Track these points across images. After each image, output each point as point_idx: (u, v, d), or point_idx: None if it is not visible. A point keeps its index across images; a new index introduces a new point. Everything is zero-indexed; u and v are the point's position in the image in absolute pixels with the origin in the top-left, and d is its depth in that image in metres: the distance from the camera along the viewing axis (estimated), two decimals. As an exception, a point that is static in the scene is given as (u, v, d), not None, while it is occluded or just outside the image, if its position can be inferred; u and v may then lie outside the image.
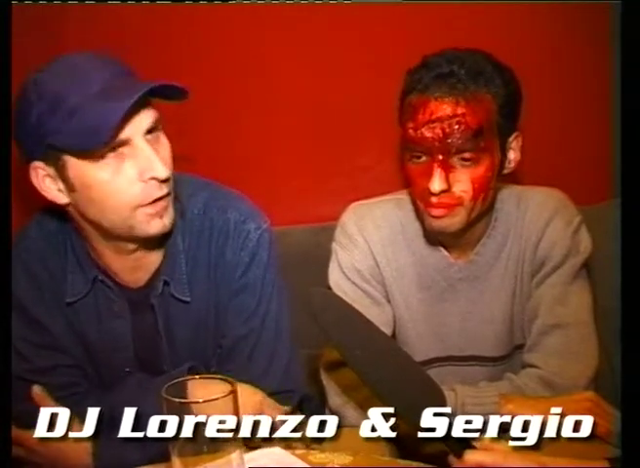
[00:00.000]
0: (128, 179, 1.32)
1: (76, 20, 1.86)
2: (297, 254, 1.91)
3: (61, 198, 1.37)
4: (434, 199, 1.44)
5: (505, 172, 1.51)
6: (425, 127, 1.42)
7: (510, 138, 1.49)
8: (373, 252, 1.59)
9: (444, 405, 1.06)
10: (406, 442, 1.47)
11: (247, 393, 1.38)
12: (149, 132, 1.33)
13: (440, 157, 1.42)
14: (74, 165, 1.31)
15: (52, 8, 1.80)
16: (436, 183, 1.42)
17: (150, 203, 1.34)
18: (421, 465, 1.23)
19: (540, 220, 1.55)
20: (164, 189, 1.35)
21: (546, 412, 1.41)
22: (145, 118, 1.31)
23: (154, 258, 1.46)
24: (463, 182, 1.43)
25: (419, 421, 1.06)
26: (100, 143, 1.27)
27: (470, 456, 1.00)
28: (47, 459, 1.39)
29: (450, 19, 1.92)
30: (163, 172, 1.32)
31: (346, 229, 1.61)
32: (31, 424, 1.38)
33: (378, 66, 1.97)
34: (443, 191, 1.42)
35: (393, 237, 1.60)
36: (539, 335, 1.52)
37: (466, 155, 1.42)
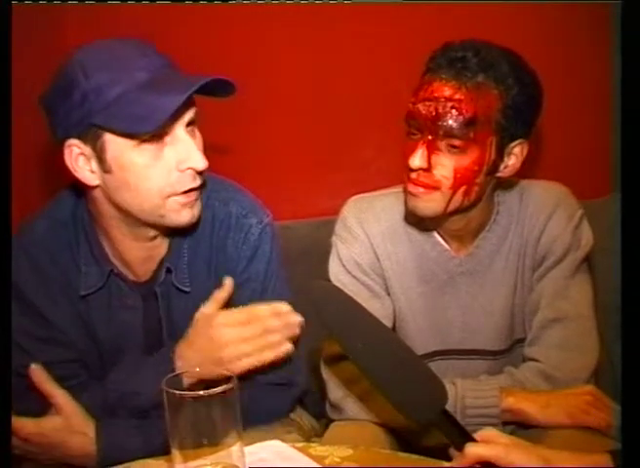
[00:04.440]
0: (166, 167, 1.33)
1: (76, 20, 1.86)
2: (297, 249, 1.91)
3: (92, 179, 1.36)
4: (413, 175, 1.44)
5: (499, 175, 1.49)
6: (421, 103, 1.43)
7: (513, 144, 1.46)
8: (373, 245, 1.59)
9: (445, 398, 1.06)
10: (406, 434, 1.48)
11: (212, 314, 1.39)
12: (188, 124, 1.35)
13: (429, 137, 1.42)
14: (114, 146, 1.31)
15: (52, 8, 1.80)
16: (416, 159, 1.42)
17: (183, 193, 1.36)
18: (422, 458, 1.23)
19: (542, 214, 1.55)
20: (198, 181, 1.37)
21: (546, 406, 1.42)
22: (189, 111, 1.34)
23: (162, 249, 1.47)
24: (446, 168, 1.43)
25: (420, 415, 1.06)
26: (148, 131, 1.29)
27: (471, 449, 1.00)
28: (44, 449, 1.39)
29: (449, 19, 1.93)
30: (201, 162, 1.35)
31: (347, 223, 1.61)
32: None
33: (378, 62, 1.97)
34: (421, 169, 1.42)
35: (393, 230, 1.60)
36: (539, 329, 1.52)
37: (455, 142, 1.41)
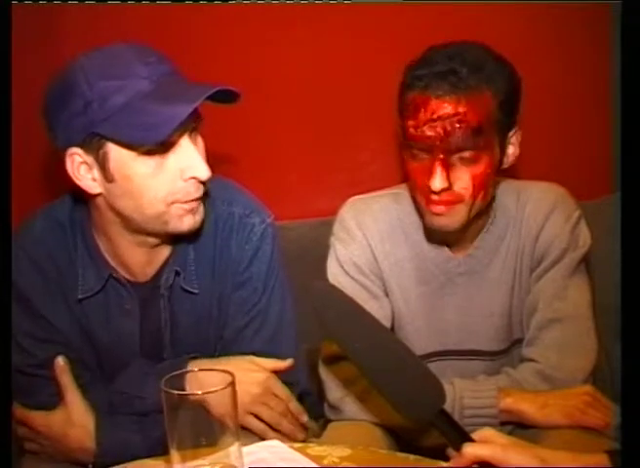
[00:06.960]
0: (170, 176, 1.32)
1: (76, 20, 1.85)
2: (296, 249, 1.91)
3: (94, 188, 1.35)
4: (435, 196, 1.44)
5: (504, 166, 1.51)
6: (427, 126, 1.41)
7: (510, 134, 1.49)
8: (371, 246, 1.59)
9: (443, 398, 1.06)
10: (405, 434, 1.48)
11: (252, 369, 1.43)
12: (191, 132, 1.33)
13: (441, 156, 1.41)
14: (117, 155, 1.30)
15: (52, 8, 1.79)
16: (437, 182, 1.41)
17: (186, 201, 1.35)
18: (420, 458, 1.23)
19: (540, 215, 1.55)
20: (201, 190, 1.35)
21: (544, 406, 1.42)
22: (192, 119, 1.31)
23: (164, 252, 1.46)
24: (463, 180, 1.43)
25: (418, 414, 1.06)
26: (154, 142, 1.27)
27: (469, 449, 0.99)
28: (50, 442, 1.41)
29: (448, 19, 1.92)
30: (205, 172, 1.33)
31: (345, 224, 1.61)
32: None
33: (376, 63, 1.97)
34: (444, 189, 1.42)
35: (391, 231, 1.60)
36: (537, 330, 1.53)
37: (466, 154, 1.42)
